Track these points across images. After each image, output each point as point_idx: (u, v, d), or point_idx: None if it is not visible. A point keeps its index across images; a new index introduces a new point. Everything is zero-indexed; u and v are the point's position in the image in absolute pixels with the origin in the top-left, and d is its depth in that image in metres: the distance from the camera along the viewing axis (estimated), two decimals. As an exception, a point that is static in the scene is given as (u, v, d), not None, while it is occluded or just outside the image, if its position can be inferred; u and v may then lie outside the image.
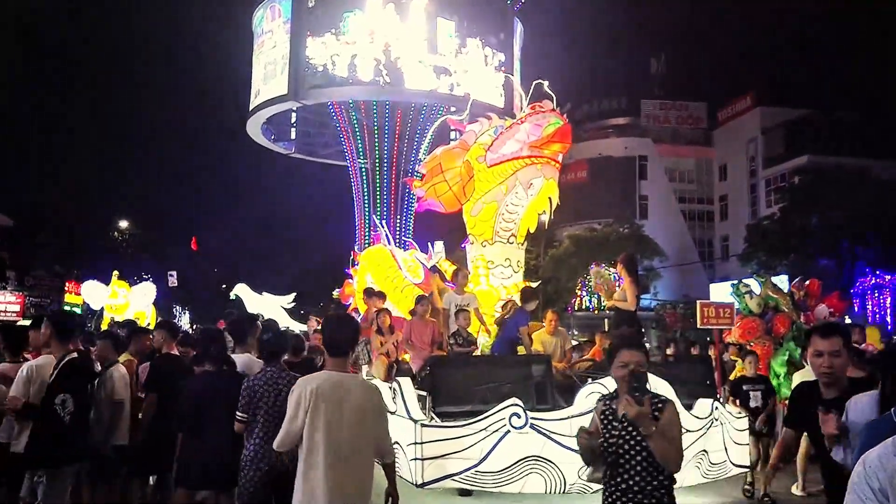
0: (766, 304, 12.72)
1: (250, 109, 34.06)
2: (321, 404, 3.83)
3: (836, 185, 31.55)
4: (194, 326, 28.83)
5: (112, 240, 39.55)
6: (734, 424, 6.83)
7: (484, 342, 9.30)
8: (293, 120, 36.84)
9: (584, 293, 36.67)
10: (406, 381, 7.64)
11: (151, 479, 7.06)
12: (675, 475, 3.48)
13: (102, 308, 21.87)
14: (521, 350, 8.70)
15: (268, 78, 32.85)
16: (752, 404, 7.57)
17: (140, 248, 40.09)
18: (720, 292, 37.89)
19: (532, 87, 9.45)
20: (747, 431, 7.00)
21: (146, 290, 23.26)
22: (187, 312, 34.02)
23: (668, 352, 14.04)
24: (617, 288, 8.87)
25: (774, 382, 9.95)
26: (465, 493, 7.33)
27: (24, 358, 6.28)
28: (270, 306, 20.88)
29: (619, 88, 49.74)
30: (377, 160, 32.23)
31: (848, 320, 25.46)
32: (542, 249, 37.18)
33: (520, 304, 9.06)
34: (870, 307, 31.22)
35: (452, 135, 21.24)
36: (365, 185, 32.90)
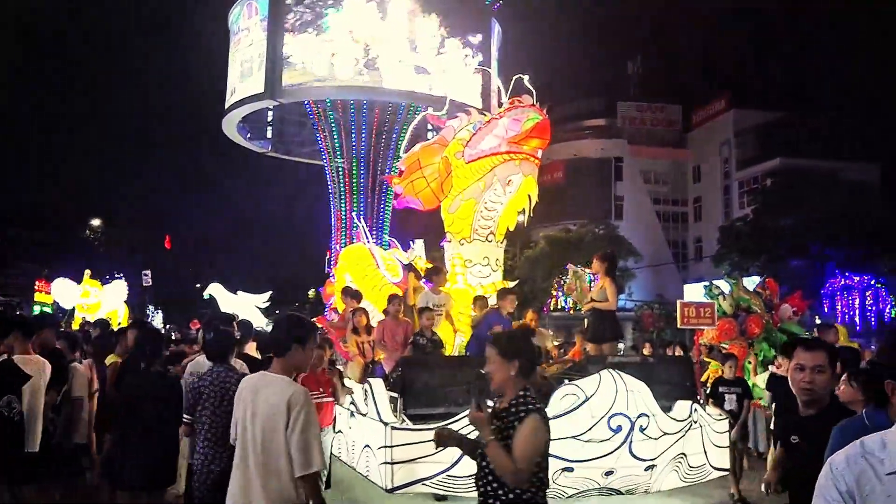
0: (739, 305, 12.74)
1: (226, 107, 33.51)
2: (238, 403, 3.79)
3: (807, 187, 31.73)
4: (167, 326, 28.28)
5: (84, 238, 38.80)
6: (714, 427, 6.59)
7: (460, 342, 9.01)
8: (269, 118, 36.33)
9: (560, 294, 36.53)
10: (377, 383, 7.35)
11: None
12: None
13: (74, 307, 21.37)
14: None
15: (244, 76, 32.33)
16: (728, 407, 7.37)
17: (112, 247, 39.38)
18: (694, 293, 37.98)
19: (512, 82, 9.17)
20: (727, 434, 6.77)
21: (118, 289, 22.79)
22: (160, 312, 33.39)
23: (645, 352, 13.85)
24: (590, 290, 8.60)
25: (749, 381, 9.84)
26: (440, 498, 7.02)
27: None
28: (245, 306, 20.41)
29: (595, 90, 49.71)
30: (354, 159, 31.84)
31: (818, 320, 25.60)
32: (517, 250, 37.01)
33: (496, 303, 8.78)
34: (839, 307, 31.46)
35: (430, 135, 20.95)
36: (342, 185, 32.51)
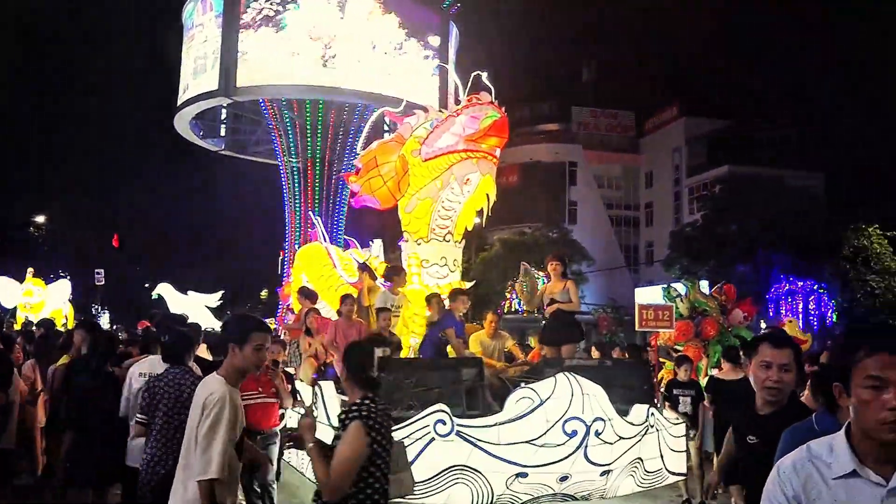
0: (695, 307, 12.86)
1: (178, 104, 32.72)
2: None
3: (754, 194, 32.26)
4: (114, 327, 27.43)
5: (27, 235, 37.52)
6: (670, 431, 6.46)
7: (414, 343, 8.76)
8: (223, 116, 35.60)
9: (514, 296, 36.54)
10: (327, 386, 7.07)
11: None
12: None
13: (16, 307, 20.59)
14: (451, 353, 8.18)
15: (197, 73, 31.59)
16: (682, 409, 7.26)
17: (57, 245, 38.23)
18: (645, 296, 38.40)
19: (470, 79, 8.95)
20: (684, 438, 6.65)
21: (62, 289, 22.07)
22: (107, 312, 32.42)
23: (594, 356, 13.81)
24: (539, 291, 8.42)
25: (702, 383, 9.82)
26: None
27: None
28: (195, 306, 19.91)
29: (550, 95, 49.92)
30: (309, 159, 31.34)
31: (763, 324, 26.00)
32: (472, 252, 36.92)
33: (448, 305, 8.55)
34: (784, 312, 32.00)
35: (387, 135, 20.65)
36: (296, 185, 31.98)
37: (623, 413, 6.31)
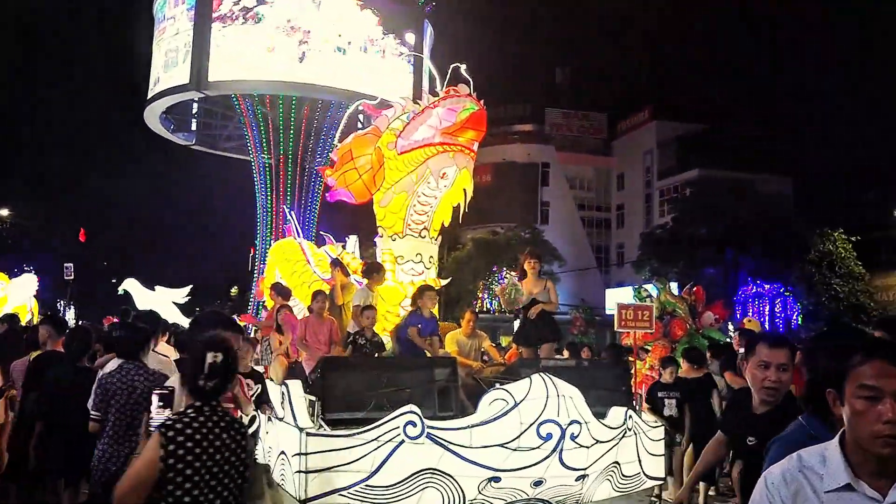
0: (664, 308, 12.84)
1: (148, 97, 32.08)
2: None
3: (723, 197, 32.44)
4: (80, 322, 26.76)
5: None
6: (649, 434, 6.24)
7: (385, 341, 8.47)
8: (194, 110, 34.98)
9: (486, 296, 36.41)
10: (295, 384, 6.75)
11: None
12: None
13: (-23, 303, 19.90)
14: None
15: (169, 66, 31.00)
16: (667, 412, 7.03)
17: (21, 238, 37.27)
18: (615, 297, 38.48)
19: (449, 71, 8.68)
20: (663, 442, 6.44)
21: (27, 283, 21.39)
22: (73, 307, 31.69)
23: (564, 354, 13.68)
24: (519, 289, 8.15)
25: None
26: None
27: None
28: (161, 302, 19.38)
29: (524, 96, 49.88)
30: (281, 155, 30.88)
31: (731, 327, 26.10)
32: (444, 251, 36.71)
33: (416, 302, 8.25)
34: (750, 314, 32.22)
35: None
36: (268, 181, 31.50)
37: (600, 416, 6.07)
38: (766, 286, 31.67)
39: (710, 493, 8.37)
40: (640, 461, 6.16)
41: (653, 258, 34.51)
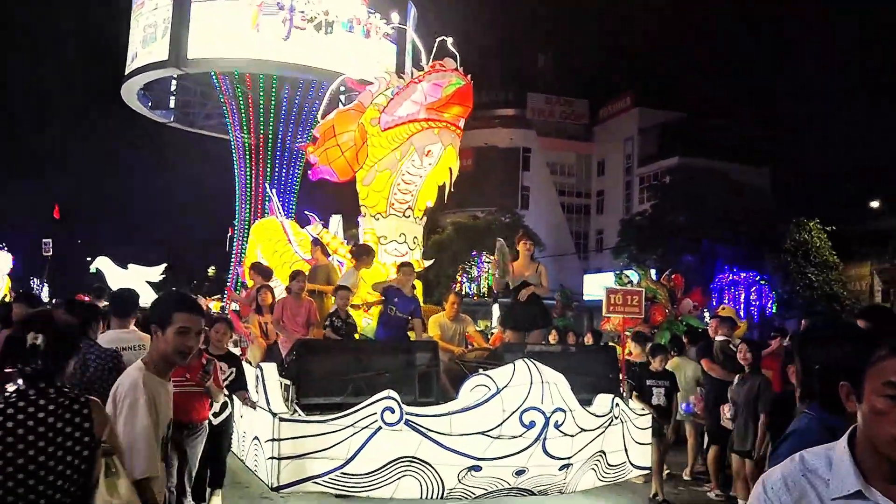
0: (645, 294, 12.73)
1: (126, 74, 31.32)
2: None
3: (702, 186, 32.39)
4: (54, 300, 26.16)
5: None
6: (636, 423, 6.01)
7: (367, 325, 8.15)
8: (173, 88, 34.22)
9: (465, 279, 36.17)
10: (269, 368, 6.45)
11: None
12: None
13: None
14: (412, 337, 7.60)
15: (147, 42, 30.24)
16: (655, 401, 6.80)
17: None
18: (593, 282, 38.46)
19: (435, 45, 8.32)
20: (650, 430, 6.21)
21: (0, 261, 20.86)
22: (46, 285, 31.01)
23: (551, 338, 13.53)
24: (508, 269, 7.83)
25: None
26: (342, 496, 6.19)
27: None
28: (134, 280, 18.91)
29: (507, 80, 49.39)
30: (261, 135, 30.30)
31: (706, 314, 26.12)
32: (424, 234, 36.40)
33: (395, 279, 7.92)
34: (726, 301, 32.28)
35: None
36: (248, 160, 30.92)
37: (586, 403, 5.84)
38: (742, 274, 31.74)
39: (686, 476, 8.23)
40: (626, 450, 5.95)
41: (632, 245, 34.43)
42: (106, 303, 7.89)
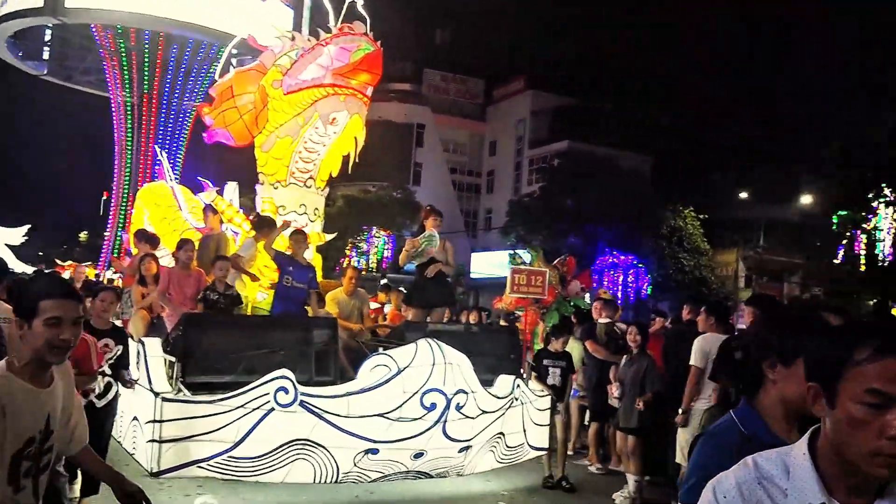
0: None
1: (-7, 19, 28.64)
2: None
3: (587, 170, 33.20)
4: None
5: None
6: (535, 404, 5.91)
7: (262, 299, 7.65)
8: (48, 38, 31.61)
9: (354, 254, 35.66)
10: (152, 343, 5.92)
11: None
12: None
13: None
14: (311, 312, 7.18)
15: (20, -14, 27.74)
16: (551, 381, 6.74)
17: None
18: (481, 261, 38.83)
19: (345, 6, 7.81)
20: (549, 411, 6.12)
21: None
22: None
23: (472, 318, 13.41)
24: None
25: (536, 347, 9.58)
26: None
27: None
28: (-9, 243, 17.26)
29: (404, 54, 48.70)
30: (145, 94, 28.48)
31: (587, 297, 26.88)
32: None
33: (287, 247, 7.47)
34: (606, 283, 33.41)
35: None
36: (129, 121, 29.03)
37: (487, 384, 5.68)
38: (622, 257, 32.88)
39: (569, 452, 8.33)
40: (524, 431, 5.85)
41: (519, 225, 34.92)
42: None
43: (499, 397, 5.64)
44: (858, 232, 24.33)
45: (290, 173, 7.87)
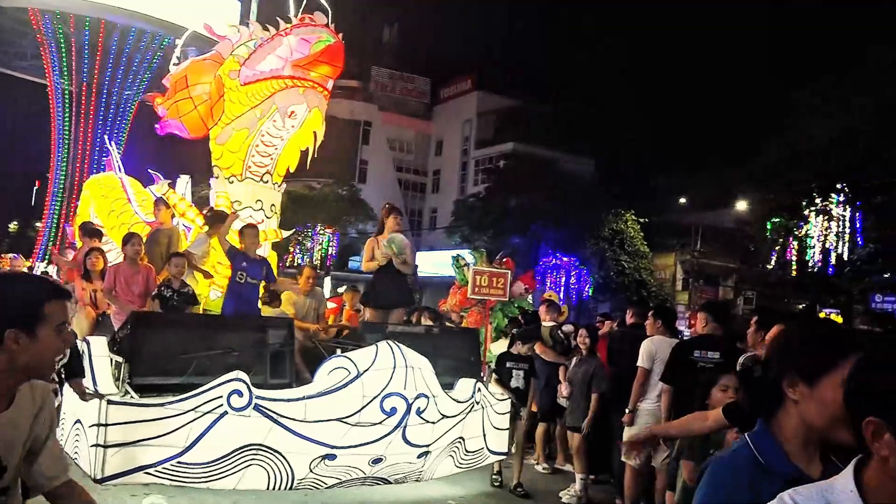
0: None
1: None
2: None
3: (532, 172, 33.43)
4: None
5: None
6: (496, 408, 5.79)
7: (215, 298, 7.34)
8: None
9: (297, 251, 35.12)
10: (98, 342, 5.59)
11: None
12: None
13: None
14: (266, 312, 6.92)
15: (-50, -36, 26.37)
16: (514, 384, 6.67)
17: None
18: (425, 261, 38.61)
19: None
20: (508, 415, 6.03)
21: None
22: None
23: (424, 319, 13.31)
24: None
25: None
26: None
27: None
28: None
29: (352, 51, 48.10)
30: (84, 82, 27.43)
31: (529, 297, 27.06)
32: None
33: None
34: (548, 284, 33.69)
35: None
36: (67, 109, 27.92)
37: (447, 387, 5.54)
38: (564, 259, 33.18)
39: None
40: (484, 436, 5.72)
41: (464, 225, 34.94)
42: None
43: (459, 401, 5.51)
44: (791, 239, 25.05)
45: (245, 167, 7.58)
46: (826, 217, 23.43)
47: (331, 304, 8.60)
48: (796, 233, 24.71)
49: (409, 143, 47.69)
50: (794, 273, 25.38)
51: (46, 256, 20.86)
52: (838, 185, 22.96)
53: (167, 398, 5.08)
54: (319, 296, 7.45)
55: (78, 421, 5.47)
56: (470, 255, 15.02)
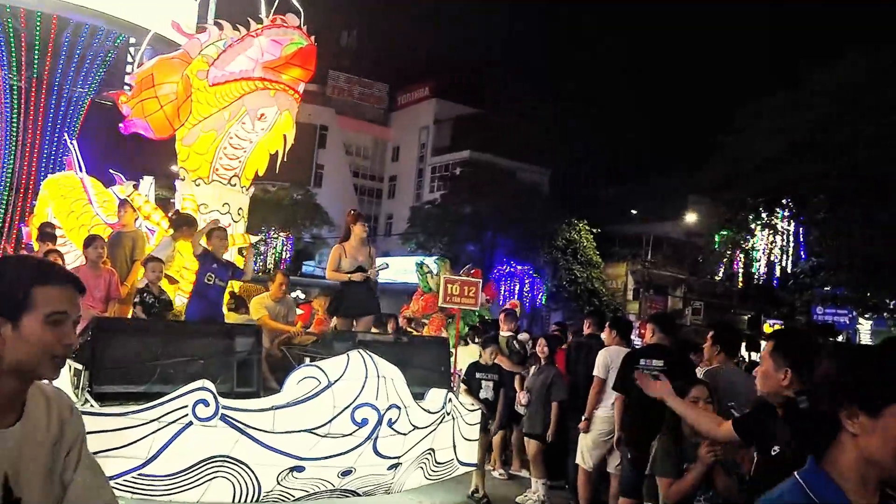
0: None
1: None
2: None
3: (488, 180, 33.57)
4: None
5: None
6: (466, 418, 5.70)
7: (181, 303, 7.08)
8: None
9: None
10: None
11: None
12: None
13: None
14: (231, 318, 6.70)
15: None
16: (483, 395, 6.60)
17: None
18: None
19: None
20: (478, 426, 5.95)
21: None
22: None
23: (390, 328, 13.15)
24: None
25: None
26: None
27: None
28: None
29: (310, 54, 47.62)
30: (34, 79, 26.44)
31: (489, 306, 27.11)
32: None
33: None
34: (503, 292, 33.82)
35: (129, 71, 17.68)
36: (15, 106, 26.88)
37: (418, 397, 5.43)
38: (519, 267, 33.35)
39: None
40: (454, 447, 5.62)
41: (420, 232, 34.87)
42: None
43: (430, 412, 5.40)
44: (737, 251, 25.60)
45: (213, 170, 7.35)
46: (771, 231, 23.98)
47: (298, 311, 8.41)
48: (743, 245, 25.26)
49: (366, 149, 47.46)
50: (740, 284, 25.94)
51: (-9, 256, 20.02)
52: (783, 201, 23.53)
53: (129, 407, 4.86)
54: (290, 303, 7.28)
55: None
56: (434, 263, 14.99)
